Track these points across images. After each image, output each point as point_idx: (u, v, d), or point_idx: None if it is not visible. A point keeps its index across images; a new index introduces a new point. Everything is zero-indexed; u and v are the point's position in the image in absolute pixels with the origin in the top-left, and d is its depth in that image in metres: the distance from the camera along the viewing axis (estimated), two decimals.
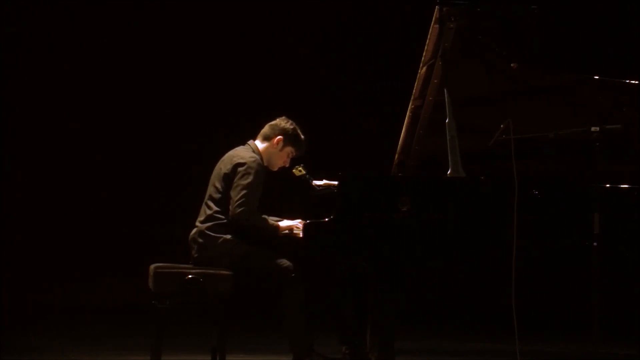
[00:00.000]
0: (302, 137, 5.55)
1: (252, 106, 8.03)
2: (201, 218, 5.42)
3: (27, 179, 9.07)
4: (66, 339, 7.19)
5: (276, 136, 5.51)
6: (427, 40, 5.24)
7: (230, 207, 5.31)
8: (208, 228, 5.34)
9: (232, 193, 5.32)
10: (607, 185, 5.24)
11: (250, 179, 5.32)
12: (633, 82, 5.48)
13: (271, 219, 5.37)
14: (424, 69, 5.36)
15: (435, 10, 5.14)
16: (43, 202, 9.09)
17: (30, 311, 8.58)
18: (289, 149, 5.53)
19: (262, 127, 5.58)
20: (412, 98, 5.49)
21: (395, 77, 8.75)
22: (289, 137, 5.52)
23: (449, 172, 5.16)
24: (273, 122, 5.57)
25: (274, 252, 5.30)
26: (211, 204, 5.39)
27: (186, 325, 6.38)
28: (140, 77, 9.16)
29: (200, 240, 5.35)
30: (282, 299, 5.24)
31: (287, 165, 5.58)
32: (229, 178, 5.37)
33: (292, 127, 5.53)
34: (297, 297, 5.23)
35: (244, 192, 5.29)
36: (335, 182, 5.26)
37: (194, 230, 5.42)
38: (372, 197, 5.01)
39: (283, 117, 5.58)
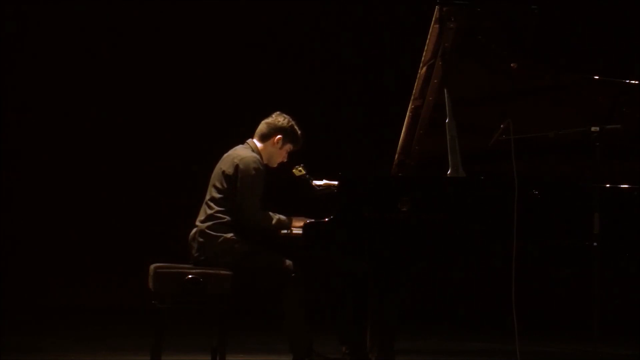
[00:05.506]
0: (299, 131, 5.55)
1: (252, 106, 8.00)
2: (201, 218, 5.42)
3: (28, 179, 9.07)
4: (66, 339, 7.18)
5: (275, 135, 5.51)
6: (427, 40, 5.24)
7: (239, 214, 5.31)
8: (209, 227, 5.33)
9: (239, 199, 5.32)
10: (607, 185, 5.24)
11: (253, 181, 5.33)
12: (633, 82, 5.48)
13: (278, 215, 5.38)
14: (424, 69, 5.36)
15: (435, 10, 5.14)
16: (43, 202, 9.08)
17: (30, 311, 8.58)
18: (288, 146, 5.54)
19: None
20: (412, 98, 5.48)
21: (395, 77, 8.76)
22: (288, 135, 5.52)
23: (449, 172, 5.16)
24: (269, 120, 5.56)
25: (274, 251, 5.30)
26: (212, 203, 5.39)
27: (186, 325, 6.37)
28: (140, 77, 9.15)
29: (201, 239, 5.34)
30: (282, 298, 5.24)
31: (286, 161, 5.58)
32: (229, 178, 5.36)
33: (289, 124, 5.53)
34: (297, 297, 5.22)
35: (250, 198, 5.30)
36: (335, 182, 5.26)
37: (194, 230, 5.41)
38: (372, 197, 5.00)
39: (278, 113, 5.57)
